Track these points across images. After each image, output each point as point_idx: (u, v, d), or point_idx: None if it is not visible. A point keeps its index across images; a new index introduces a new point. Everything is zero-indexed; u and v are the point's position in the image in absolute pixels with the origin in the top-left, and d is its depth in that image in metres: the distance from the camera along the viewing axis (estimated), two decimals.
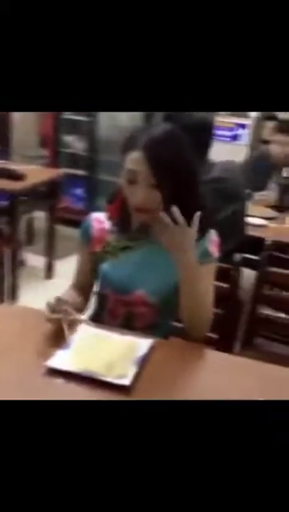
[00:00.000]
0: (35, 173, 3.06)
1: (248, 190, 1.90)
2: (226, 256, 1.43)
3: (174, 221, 1.12)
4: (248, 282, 1.81)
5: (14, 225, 2.89)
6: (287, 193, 2.55)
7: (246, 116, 3.94)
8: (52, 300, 1.16)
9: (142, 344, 1.14)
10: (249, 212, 1.99)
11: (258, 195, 2.52)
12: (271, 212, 2.46)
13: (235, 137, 4.00)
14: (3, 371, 1.07)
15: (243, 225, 1.87)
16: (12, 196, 2.85)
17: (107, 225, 1.34)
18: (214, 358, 1.22)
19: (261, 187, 2.64)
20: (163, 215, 1.12)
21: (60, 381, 1.04)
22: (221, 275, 1.42)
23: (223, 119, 3.79)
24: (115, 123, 3.66)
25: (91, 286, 1.39)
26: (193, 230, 1.13)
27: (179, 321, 1.28)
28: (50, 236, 3.31)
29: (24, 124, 3.89)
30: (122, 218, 1.30)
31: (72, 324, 1.16)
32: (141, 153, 1.15)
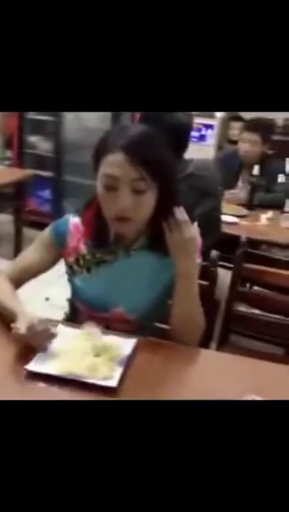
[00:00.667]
0: (1, 174, 2.97)
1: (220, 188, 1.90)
2: (203, 253, 1.42)
3: (170, 228, 1.10)
4: (221, 281, 1.81)
5: None
6: (256, 192, 2.58)
7: (212, 117, 3.98)
8: (34, 322, 1.03)
9: (126, 344, 1.11)
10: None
11: (227, 194, 2.54)
12: (242, 210, 2.48)
13: (202, 138, 4.03)
14: None
15: (219, 221, 1.87)
16: None
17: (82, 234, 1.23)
18: (201, 356, 1.21)
19: (230, 186, 2.66)
20: (174, 218, 1.10)
21: (41, 385, 1.00)
22: (200, 272, 1.41)
23: None
24: (82, 123, 3.61)
25: (25, 282, 1.26)
26: (197, 236, 1.12)
27: (162, 322, 1.26)
28: (17, 239, 3.23)
29: None
30: (97, 230, 1.20)
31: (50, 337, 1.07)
32: (121, 155, 1.05)
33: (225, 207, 2.24)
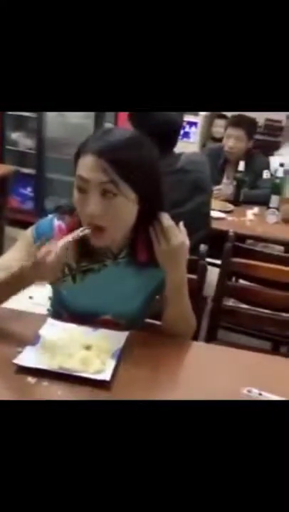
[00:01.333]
0: None
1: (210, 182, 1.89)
2: (192, 248, 1.40)
3: (157, 236, 1.08)
4: (208, 278, 1.81)
5: None
6: (242, 188, 2.58)
7: (196, 114, 3.98)
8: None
9: (118, 337, 1.08)
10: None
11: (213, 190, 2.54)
12: (229, 206, 2.49)
13: (185, 135, 4.03)
14: None
15: (208, 217, 1.86)
16: None
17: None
18: (196, 349, 1.19)
19: (215, 182, 2.65)
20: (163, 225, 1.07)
21: (31, 380, 0.96)
22: (189, 267, 1.40)
23: None
24: (64, 119, 3.56)
25: None
26: (185, 239, 1.09)
27: (152, 317, 1.24)
28: None
29: None
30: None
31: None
32: (92, 157, 1.02)
33: (212, 202, 2.24)
